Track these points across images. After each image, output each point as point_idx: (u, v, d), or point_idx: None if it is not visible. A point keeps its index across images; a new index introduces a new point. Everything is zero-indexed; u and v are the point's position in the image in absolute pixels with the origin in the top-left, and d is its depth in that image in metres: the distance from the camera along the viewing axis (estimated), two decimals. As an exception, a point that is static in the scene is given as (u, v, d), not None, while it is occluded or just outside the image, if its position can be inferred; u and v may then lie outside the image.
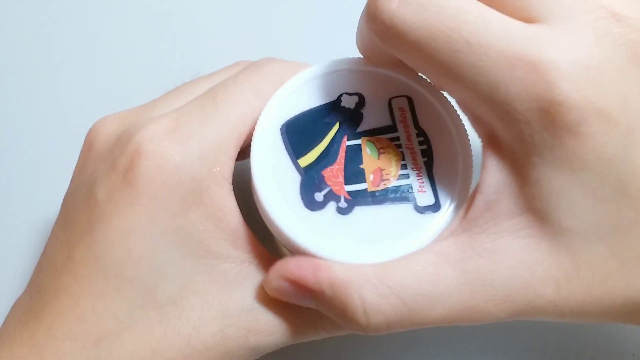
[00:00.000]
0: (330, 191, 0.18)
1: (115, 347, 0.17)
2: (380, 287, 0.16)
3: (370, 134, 0.19)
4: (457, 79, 0.15)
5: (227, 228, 0.19)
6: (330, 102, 0.19)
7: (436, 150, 0.19)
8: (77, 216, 0.19)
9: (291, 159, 0.19)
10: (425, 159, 0.19)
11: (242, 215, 0.20)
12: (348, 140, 0.19)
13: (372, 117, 0.19)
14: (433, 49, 0.15)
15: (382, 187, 0.18)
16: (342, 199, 0.18)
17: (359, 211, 0.18)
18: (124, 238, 0.18)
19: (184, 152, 0.18)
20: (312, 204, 0.18)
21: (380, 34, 0.16)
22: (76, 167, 0.21)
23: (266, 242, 0.20)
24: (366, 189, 0.18)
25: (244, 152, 0.20)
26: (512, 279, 0.16)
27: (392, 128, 0.19)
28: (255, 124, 0.19)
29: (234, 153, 0.19)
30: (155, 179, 0.18)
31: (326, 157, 0.19)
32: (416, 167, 0.19)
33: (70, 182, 0.21)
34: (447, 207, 0.18)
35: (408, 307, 0.16)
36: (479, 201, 0.16)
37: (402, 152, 0.19)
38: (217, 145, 0.19)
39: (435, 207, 0.18)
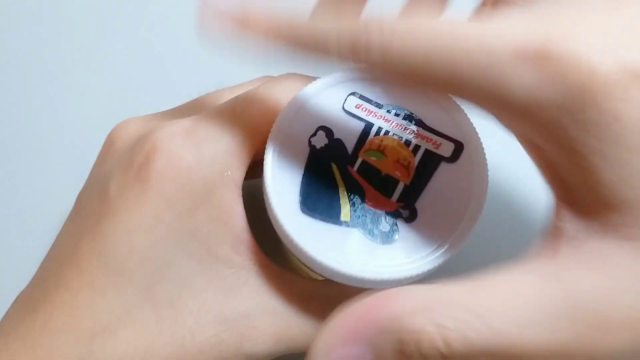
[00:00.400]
0: (387, 214, 0.18)
1: (109, 343, 0.17)
2: (463, 313, 0.13)
3: (360, 144, 0.19)
4: (461, 87, 0.14)
5: (231, 232, 0.19)
6: (309, 153, 0.19)
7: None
8: (89, 209, 0.19)
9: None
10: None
11: (250, 223, 0.20)
12: (352, 166, 0.19)
13: (347, 131, 0.19)
14: (432, 68, 0.14)
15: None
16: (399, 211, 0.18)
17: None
18: (129, 234, 0.18)
19: (198, 154, 0.19)
20: (383, 238, 0.18)
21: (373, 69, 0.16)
22: (95, 164, 0.21)
23: (272, 253, 0.20)
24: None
25: (257, 168, 0.20)
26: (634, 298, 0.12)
27: (368, 125, 0.19)
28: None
29: (246, 160, 0.20)
30: (166, 177, 0.18)
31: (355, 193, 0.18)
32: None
33: (87, 178, 0.21)
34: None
35: (502, 336, 0.12)
36: (560, 209, 0.14)
37: (395, 136, 0.19)
38: (231, 150, 0.19)
39: None
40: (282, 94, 0.20)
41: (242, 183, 0.20)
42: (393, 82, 0.19)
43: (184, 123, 0.20)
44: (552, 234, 0.14)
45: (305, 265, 0.19)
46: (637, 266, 0.12)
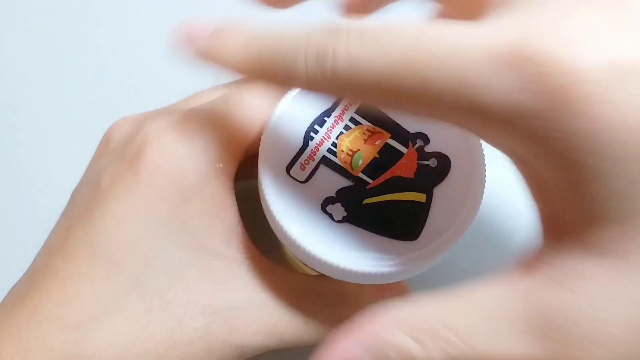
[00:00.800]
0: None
1: (96, 332, 0.17)
2: (443, 330, 0.13)
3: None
4: (433, 100, 0.13)
5: (222, 225, 0.19)
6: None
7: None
8: (80, 202, 0.19)
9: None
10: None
11: (245, 219, 0.20)
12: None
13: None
14: (399, 79, 0.13)
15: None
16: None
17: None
18: (120, 224, 0.18)
19: (189, 145, 0.19)
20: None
21: (337, 84, 0.14)
22: (90, 162, 0.21)
23: (266, 247, 0.20)
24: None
25: (250, 164, 0.20)
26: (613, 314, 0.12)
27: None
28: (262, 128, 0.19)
29: (239, 154, 0.20)
30: (157, 168, 0.18)
31: None
32: None
33: (82, 176, 0.21)
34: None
35: (479, 353, 0.13)
36: (544, 221, 0.14)
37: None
38: (223, 143, 0.19)
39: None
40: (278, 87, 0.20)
41: (234, 176, 0.20)
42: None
43: (176, 116, 0.19)
44: (533, 250, 0.14)
45: (300, 260, 0.19)
46: (614, 283, 0.12)
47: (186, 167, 0.18)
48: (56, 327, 0.17)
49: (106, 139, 0.21)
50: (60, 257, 0.18)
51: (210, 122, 0.19)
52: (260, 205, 0.20)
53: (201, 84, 0.23)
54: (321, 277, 0.21)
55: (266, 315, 0.19)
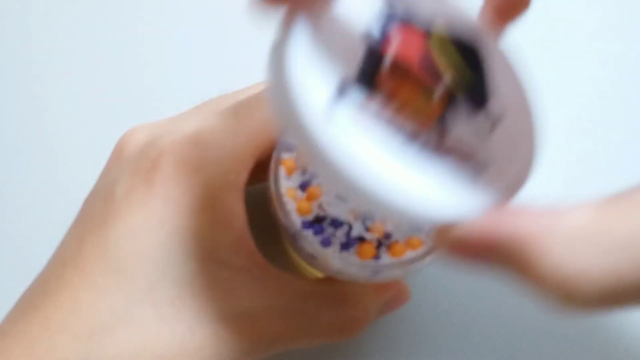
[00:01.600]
0: None
1: (108, 341, 0.17)
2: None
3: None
4: None
5: (232, 235, 0.19)
6: None
7: None
8: (94, 212, 0.20)
9: None
10: None
11: (252, 226, 0.20)
12: None
13: None
14: None
15: None
16: None
17: None
18: (132, 235, 0.18)
19: (202, 157, 0.19)
20: None
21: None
22: (102, 170, 0.22)
23: (274, 256, 0.21)
24: None
25: (261, 172, 0.20)
26: None
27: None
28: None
29: (249, 164, 0.20)
30: (171, 180, 0.19)
31: None
32: None
33: (95, 184, 0.22)
34: None
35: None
36: None
37: None
38: (234, 154, 0.20)
39: None
40: None
41: (244, 186, 0.20)
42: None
43: (190, 129, 0.20)
44: None
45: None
46: None
47: (199, 179, 0.19)
48: (69, 337, 0.17)
49: (119, 148, 0.22)
50: (73, 268, 0.18)
51: (222, 135, 0.20)
52: (268, 210, 0.20)
53: (211, 91, 0.24)
54: (325, 279, 0.22)
55: (274, 321, 0.19)
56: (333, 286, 0.21)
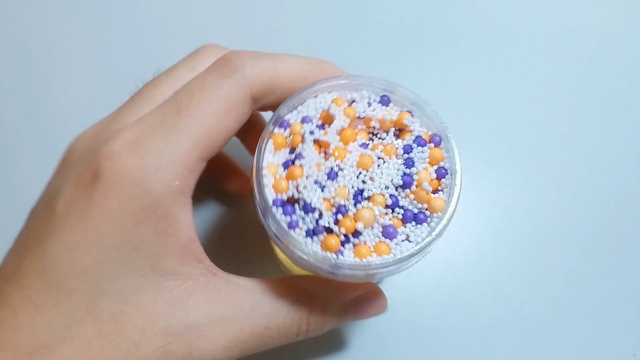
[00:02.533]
0: None
1: (48, 359, 0.17)
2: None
3: None
4: None
5: (177, 244, 0.18)
6: None
7: None
8: (36, 225, 0.19)
9: None
10: None
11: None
12: None
13: None
14: None
15: None
16: None
17: None
18: (71, 251, 0.18)
19: (141, 167, 0.18)
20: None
21: None
22: (50, 179, 0.21)
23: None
24: None
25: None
26: None
27: None
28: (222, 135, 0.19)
29: (196, 167, 0.19)
30: (109, 194, 0.18)
31: None
32: None
33: (42, 192, 0.21)
34: None
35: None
36: None
37: None
38: (178, 159, 0.18)
39: None
40: (233, 89, 0.19)
41: (192, 190, 0.19)
42: None
43: (127, 135, 0.19)
44: None
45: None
46: None
47: (139, 190, 0.18)
48: (8, 356, 0.17)
49: (66, 156, 0.21)
50: (13, 284, 0.18)
51: (163, 139, 0.19)
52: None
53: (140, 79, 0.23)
54: (286, 279, 0.21)
55: (227, 328, 0.19)
56: (288, 283, 0.20)
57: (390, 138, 0.20)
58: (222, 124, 0.19)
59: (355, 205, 0.19)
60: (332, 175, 0.19)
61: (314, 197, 0.19)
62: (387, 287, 0.29)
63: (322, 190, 0.19)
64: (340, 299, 0.21)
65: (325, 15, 0.36)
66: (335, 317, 0.21)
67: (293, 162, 0.20)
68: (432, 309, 0.29)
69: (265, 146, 0.20)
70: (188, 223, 0.19)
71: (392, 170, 0.19)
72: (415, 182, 0.19)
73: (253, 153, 0.22)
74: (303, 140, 0.20)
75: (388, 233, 0.19)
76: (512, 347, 0.28)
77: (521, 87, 0.34)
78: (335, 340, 0.28)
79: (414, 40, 0.36)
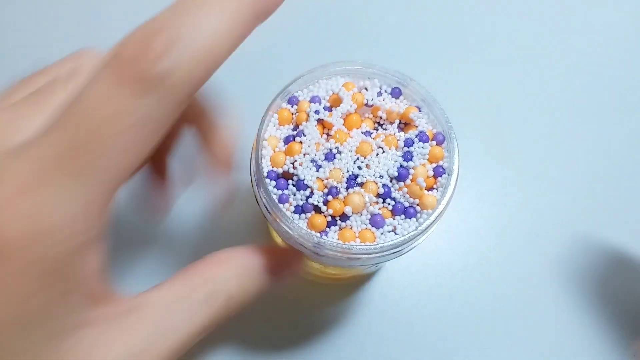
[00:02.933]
0: None
1: None
2: None
3: None
4: None
5: (85, 296, 0.17)
6: None
7: None
8: None
9: None
10: None
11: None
12: None
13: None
14: None
15: None
16: None
17: None
18: None
19: (36, 227, 0.15)
20: None
21: None
22: None
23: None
24: None
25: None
26: None
27: None
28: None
29: (106, 208, 0.16)
30: (1, 267, 0.15)
31: None
32: None
33: None
34: None
35: None
36: None
37: None
38: (81, 212, 0.15)
39: None
40: (144, 111, 0.15)
41: (103, 227, 0.16)
42: None
43: (19, 179, 0.15)
44: None
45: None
46: None
47: (33, 256, 0.15)
48: None
49: None
50: None
51: (62, 182, 0.15)
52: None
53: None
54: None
55: (155, 351, 0.18)
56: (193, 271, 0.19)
57: (394, 130, 0.20)
58: (140, 155, 0.15)
59: (347, 189, 0.19)
60: (329, 156, 0.19)
61: (308, 174, 0.19)
62: (387, 286, 0.29)
63: (317, 170, 0.19)
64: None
65: (340, 11, 0.36)
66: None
67: (294, 138, 0.20)
68: (431, 309, 0.29)
69: (270, 118, 0.21)
70: (93, 273, 0.17)
71: (390, 161, 0.19)
72: (410, 177, 0.19)
73: (208, 146, 0.21)
74: (308, 118, 0.20)
75: (375, 222, 0.19)
76: (512, 347, 0.28)
77: (524, 87, 0.34)
78: (334, 340, 0.28)
79: (419, 39, 0.36)
